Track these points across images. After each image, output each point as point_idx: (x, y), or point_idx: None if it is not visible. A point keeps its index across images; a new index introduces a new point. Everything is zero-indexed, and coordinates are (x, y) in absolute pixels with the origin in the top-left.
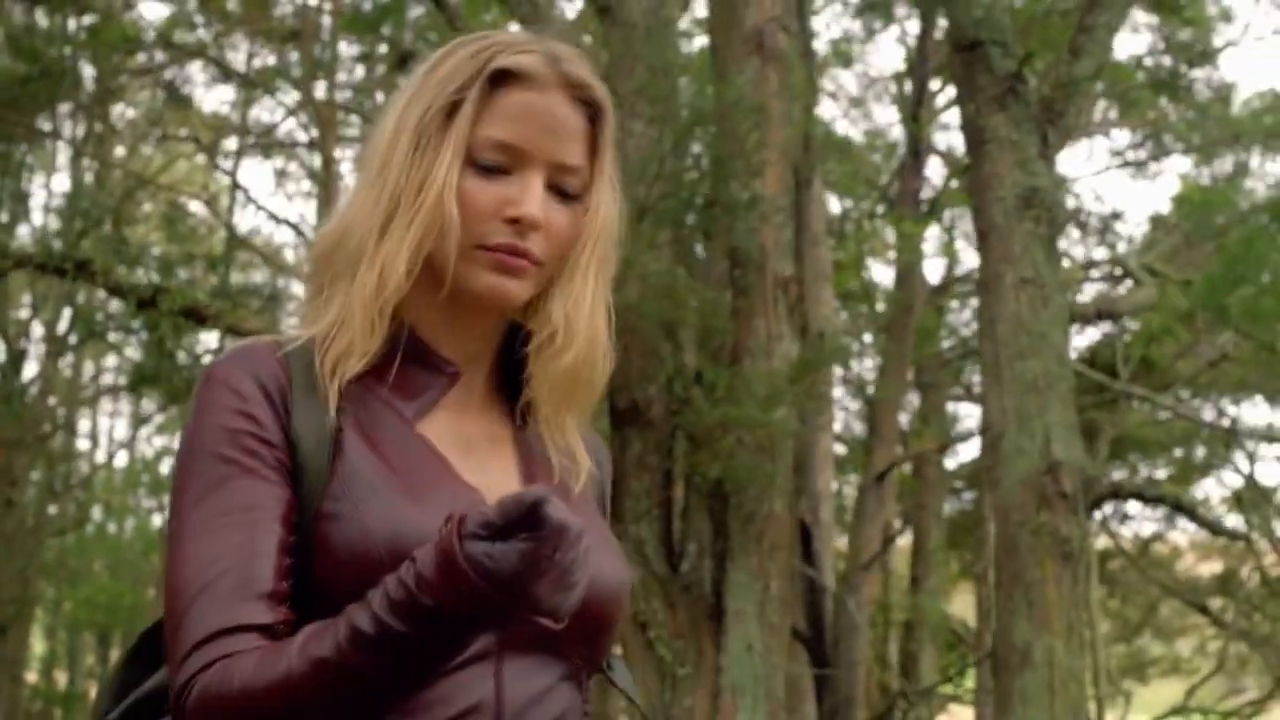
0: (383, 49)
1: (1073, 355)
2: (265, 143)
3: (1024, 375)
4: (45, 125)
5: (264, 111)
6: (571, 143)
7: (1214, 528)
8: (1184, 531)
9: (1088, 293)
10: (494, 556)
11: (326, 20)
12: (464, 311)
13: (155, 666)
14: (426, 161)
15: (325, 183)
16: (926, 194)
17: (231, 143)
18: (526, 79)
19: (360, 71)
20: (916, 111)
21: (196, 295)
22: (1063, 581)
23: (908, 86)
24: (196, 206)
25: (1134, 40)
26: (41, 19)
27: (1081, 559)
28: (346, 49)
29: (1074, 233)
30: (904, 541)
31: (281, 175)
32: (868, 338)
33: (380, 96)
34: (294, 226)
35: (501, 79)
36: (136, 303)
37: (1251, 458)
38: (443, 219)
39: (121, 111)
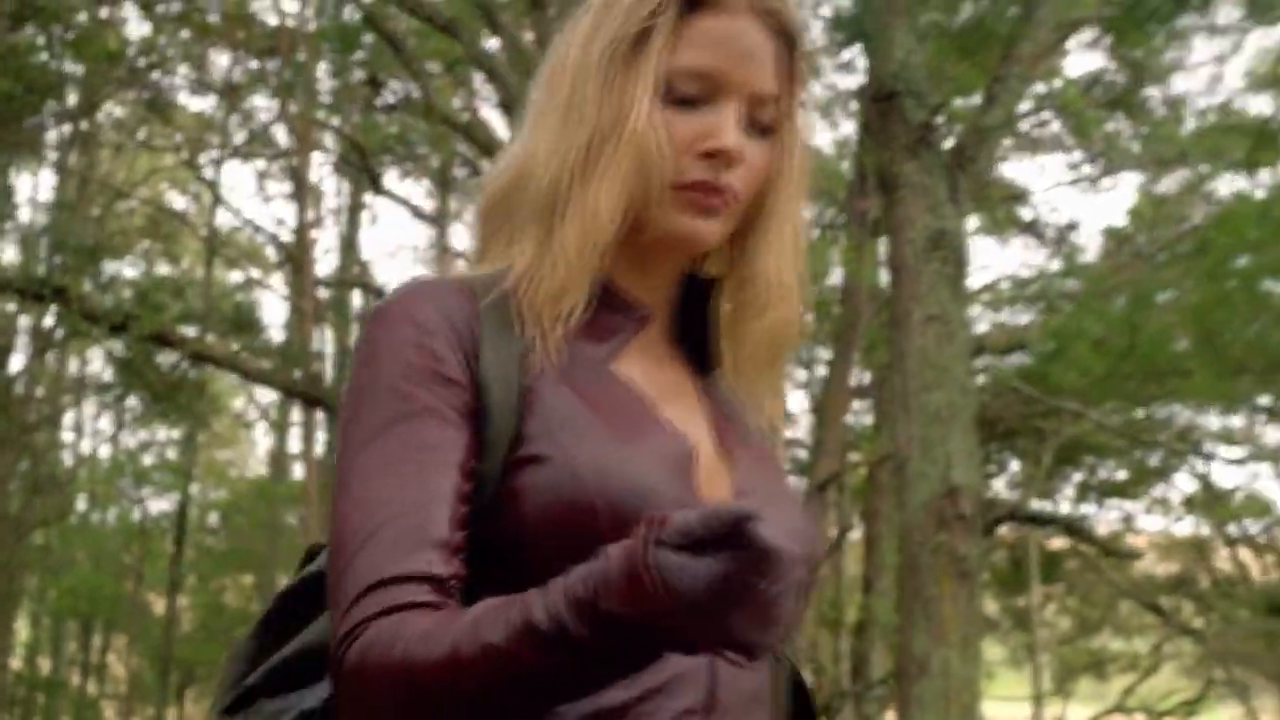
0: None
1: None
2: (247, 151)
3: (929, 406)
4: (29, 135)
5: (245, 117)
6: (766, 71)
7: (1105, 546)
8: (1142, 533)
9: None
10: (685, 572)
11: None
12: (650, 254)
13: (293, 632)
14: (619, 94)
15: (301, 193)
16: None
17: (213, 148)
18: (718, 4)
19: (334, 85)
20: (863, 134)
21: (164, 322)
22: (959, 598)
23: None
24: (179, 205)
25: (1088, 58)
26: (28, 32)
27: (979, 576)
28: (322, 65)
29: (1032, 242)
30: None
31: (263, 177)
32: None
33: (355, 115)
34: (272, 236)
35: (692, 4)
36: (109, 328)
37: (1207, 460)
38: (646, 156)
39: (105, 116)
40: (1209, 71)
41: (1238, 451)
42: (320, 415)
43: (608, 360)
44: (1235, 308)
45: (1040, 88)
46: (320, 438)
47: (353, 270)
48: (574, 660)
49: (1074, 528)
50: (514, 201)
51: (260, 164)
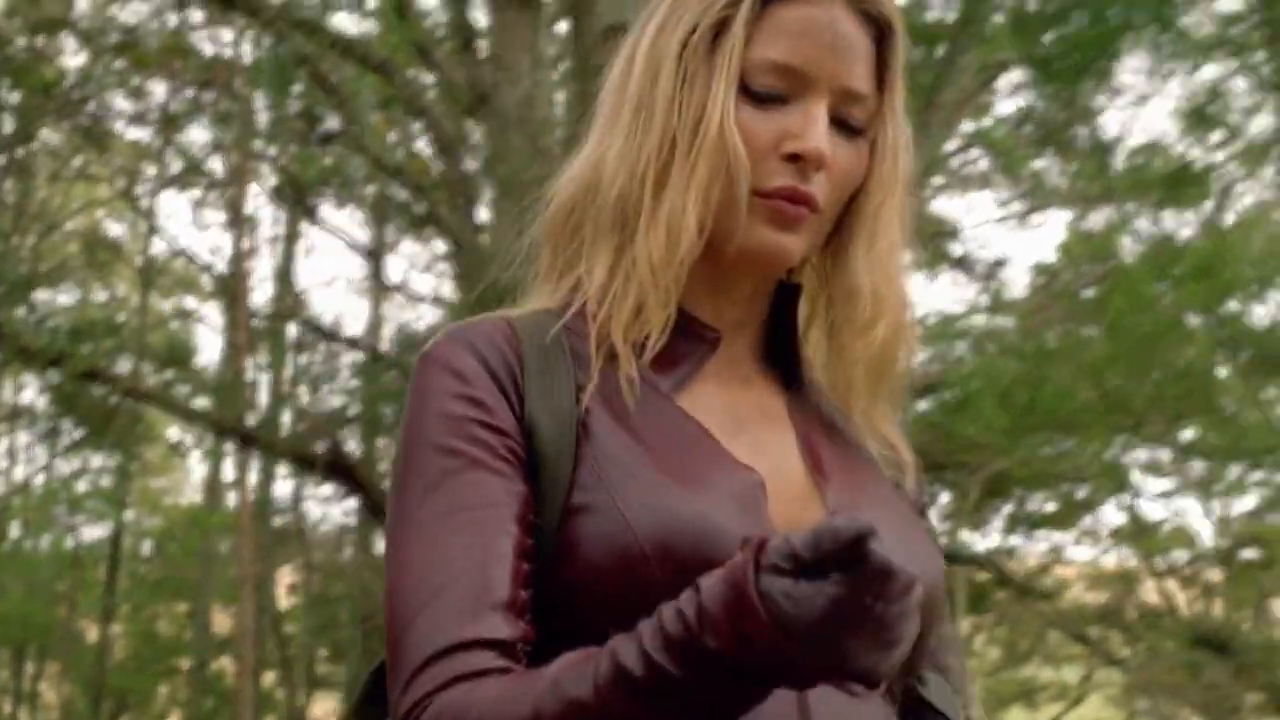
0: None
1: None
2: (183, 181)
3: None
4: None
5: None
6: (858, 65)
7: (1020, 585)
8: (1072, 564)
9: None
10: (796, 598)
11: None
12: (727, 270)
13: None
14: (695, 92)
15: (236, 225)
16: None
17: (149, 179)
18: None
19: (270, 117)
20: None
21: (97, 361)
22: None
23: None
24: (116, 234)
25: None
26: None
27: None
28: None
29: (961, 278)
30: None
31: (200, 206)
32: None
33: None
34: (206, 266)
35: None
36: (43, 364)
37: (1134, 494)
38: (728, 160)
39: (41, 145)
40: (1137, 110)
41: (1164, 484)
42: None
43: (674, 391)
44: (1133, 365)
45: (969, 125)
46: (255, 465)
47: (288, 300)
48: (674, 705)
49: (988, 566)
50: (581, 216)
51: (197, 193)
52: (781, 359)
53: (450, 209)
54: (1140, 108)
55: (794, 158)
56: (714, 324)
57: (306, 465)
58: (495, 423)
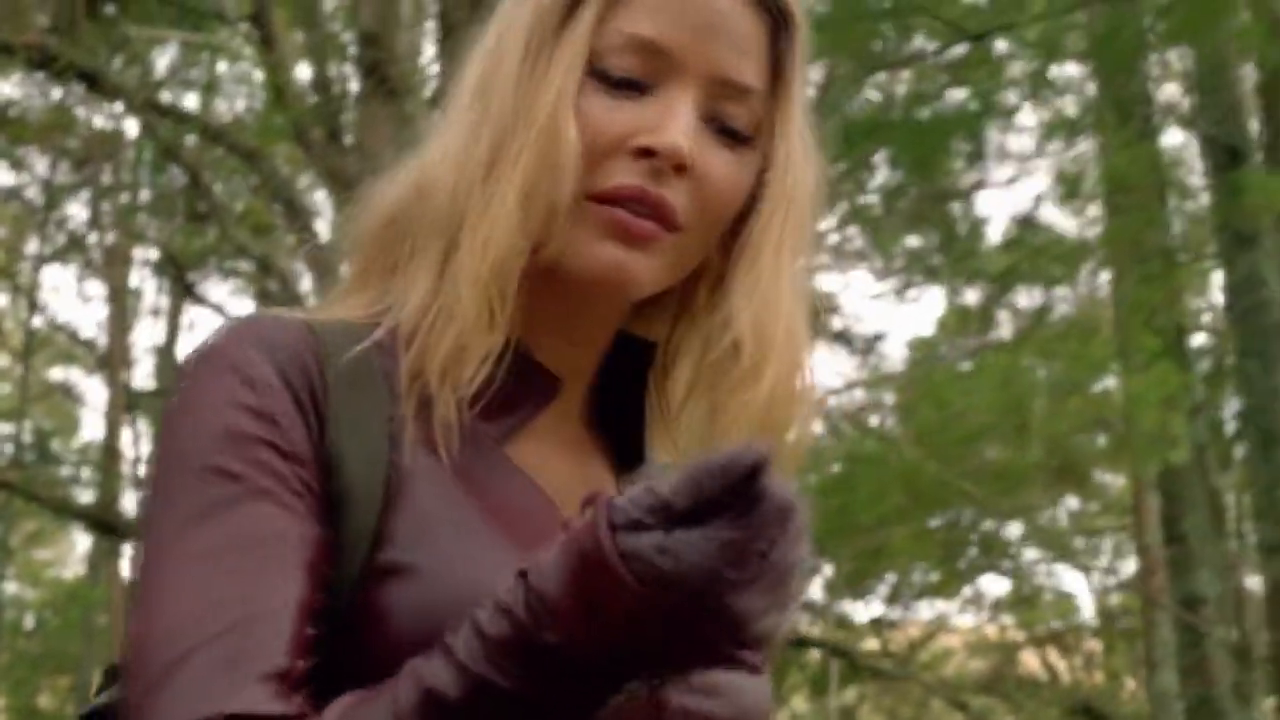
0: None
1: None
2: (64, 255)
3: None
4: None
5: (61, 222)
6: (743, 55)
7: (872, 667)
8: (955, 631)
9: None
10: (673, 551)
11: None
12: (568, 302)
13: None
14: (539, 74)
15: (118, 302)
16: None
17: (28, 256)
18: None
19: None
20: None
21: None
22: None
23: None
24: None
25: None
26: None
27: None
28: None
29: (841, 351)
30: None
31: (82, 279)
32: None
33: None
34: (87, 342)
35: None
36: None
37: (1015, 561)
38: (554, 151)
39: None
40: (1011, 188)
41: (1044, 553)
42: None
43: (502, 441)
44: (942, 469)
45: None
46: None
47: (170, 375)
48: None
49: (839, 650)
50: (406, 222)
51: (78, 267)
52: (615, 427)
53: (316, 298)
54: (1005, 190)
55: (645, 153)
56: (554, 368)
57: None
58: (290, 448)
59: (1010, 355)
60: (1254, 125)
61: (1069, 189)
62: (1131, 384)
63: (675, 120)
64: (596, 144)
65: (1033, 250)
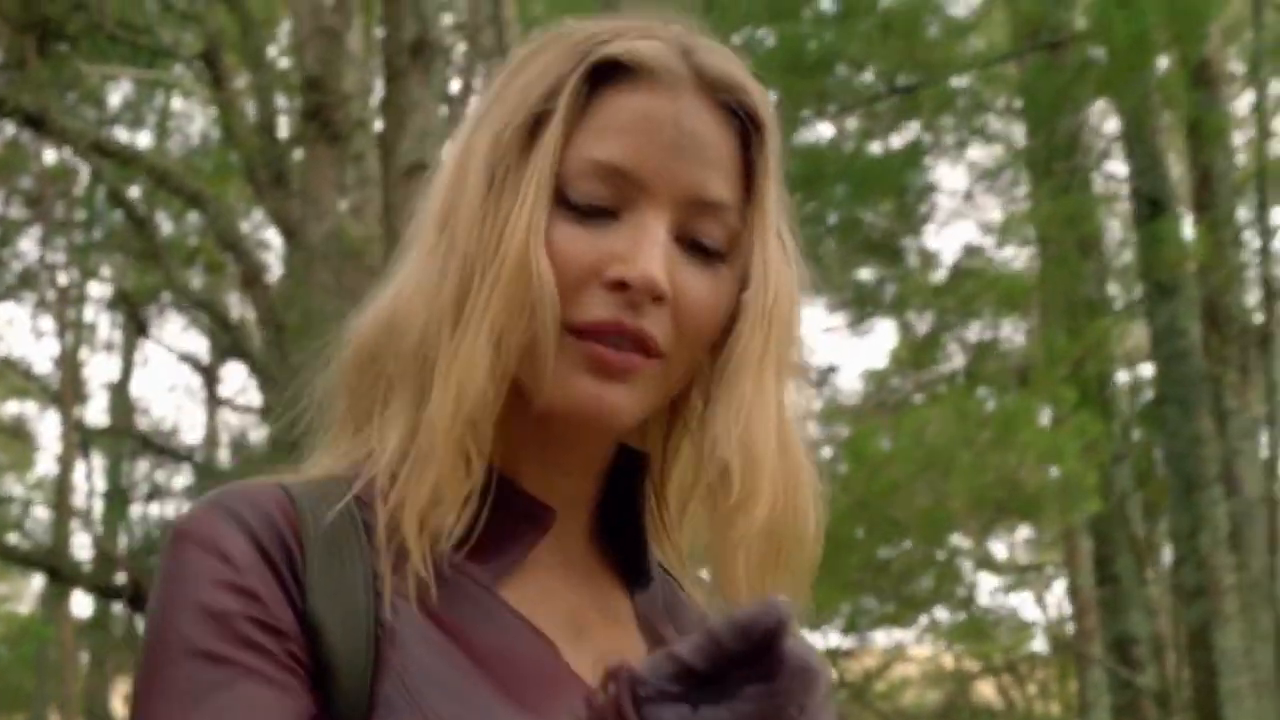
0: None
1: None
2: (16, 293)
3: None
4: None
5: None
6: (713, 170)
7: None
8: (912, 660)
9: None
10: None
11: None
12: (554, 433)
13: None
14: (504, 205)
15: (69, 338)
16: None
17: None
18: (646, 75)
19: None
20: None
21: None
22: None
23: None
24: None
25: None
26: None
27: None
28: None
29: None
30: None
31: (36, 315)
32: None
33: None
34: (40, 380)
35: (608, 77)
36: None
37: (970, 590)
38: (530, 288)
39: None
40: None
41: (999, 581)
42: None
43: (495, 583)
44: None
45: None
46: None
47: (125, 410)
48: None
49: None
50: (379, 364)
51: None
52: (622, 546)
53: (261, 341)
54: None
55: (620, 285)
56: (545, 499)
57: (110, 596)
58: (272, 621)
59: (925, 411)
60: (1182, 174)
61: (1002, 236)
62: (1051, 434)
63: (647, 249)
64: (568, 276)
65: (980, 284)
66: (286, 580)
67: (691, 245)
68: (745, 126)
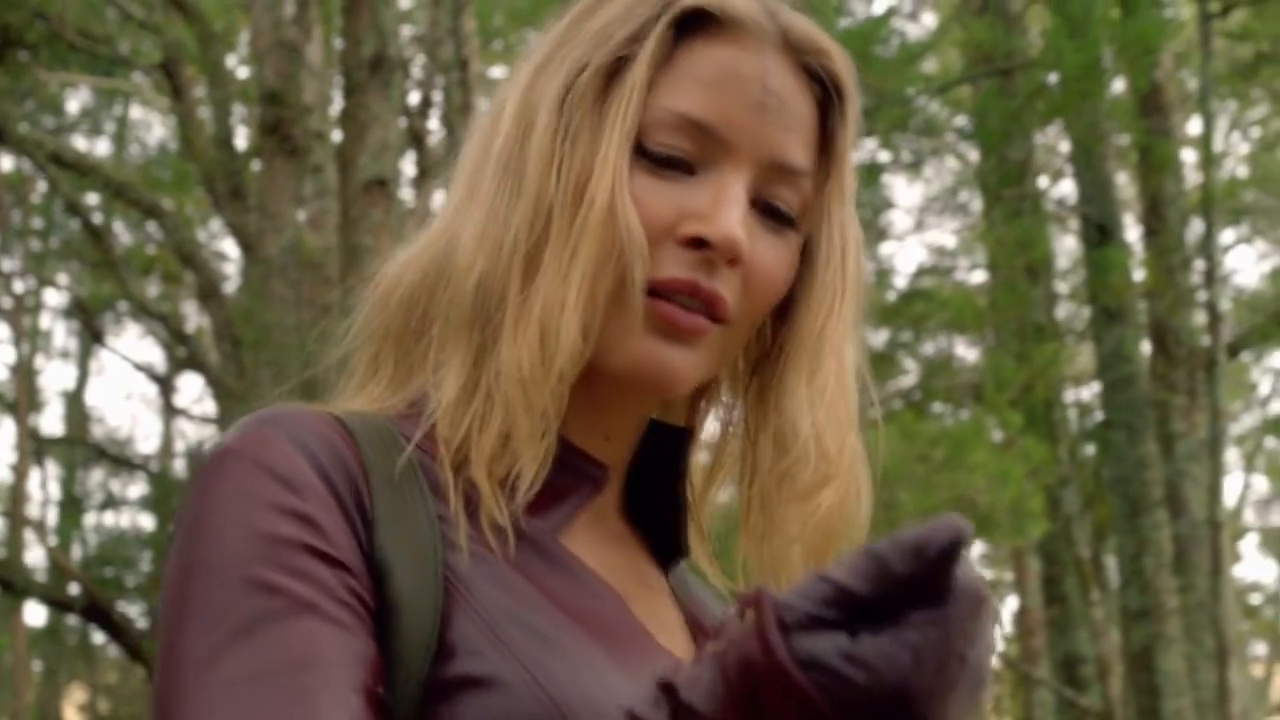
0: None
1: None
2: None
3: None
4: None
5: None
6: (794, 133)
7: None
8: None
9: None
10: (864, 661)
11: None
12: (604, 391)
13: None
14: (582, 151)
15: (23, 346)
16: None
17: None
18: (733, 28)
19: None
20: None
21: None
22: None
23: None
24: None
25: None
26: None
27: None
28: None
29: None
30: None
31: None
32: None
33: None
34: None
35: (694, 26)
36: None
37: None
38: (619, 242)
39: None
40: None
41: None
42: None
43: (556, 534)
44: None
45: None
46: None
47: (80, 418)
48: None
49: None
50: (428, 309)
51: None
52: (651, 519)
53: (216, 354)
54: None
55: (697, 243)
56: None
57: (63, 608)
58: (335, 554)
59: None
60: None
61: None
62: (998, 457)
63: (728, 209)
64: (645, 230)
65: (931, 305)
66: (351, 512)
67: (765, 209)
68: (827, 93)
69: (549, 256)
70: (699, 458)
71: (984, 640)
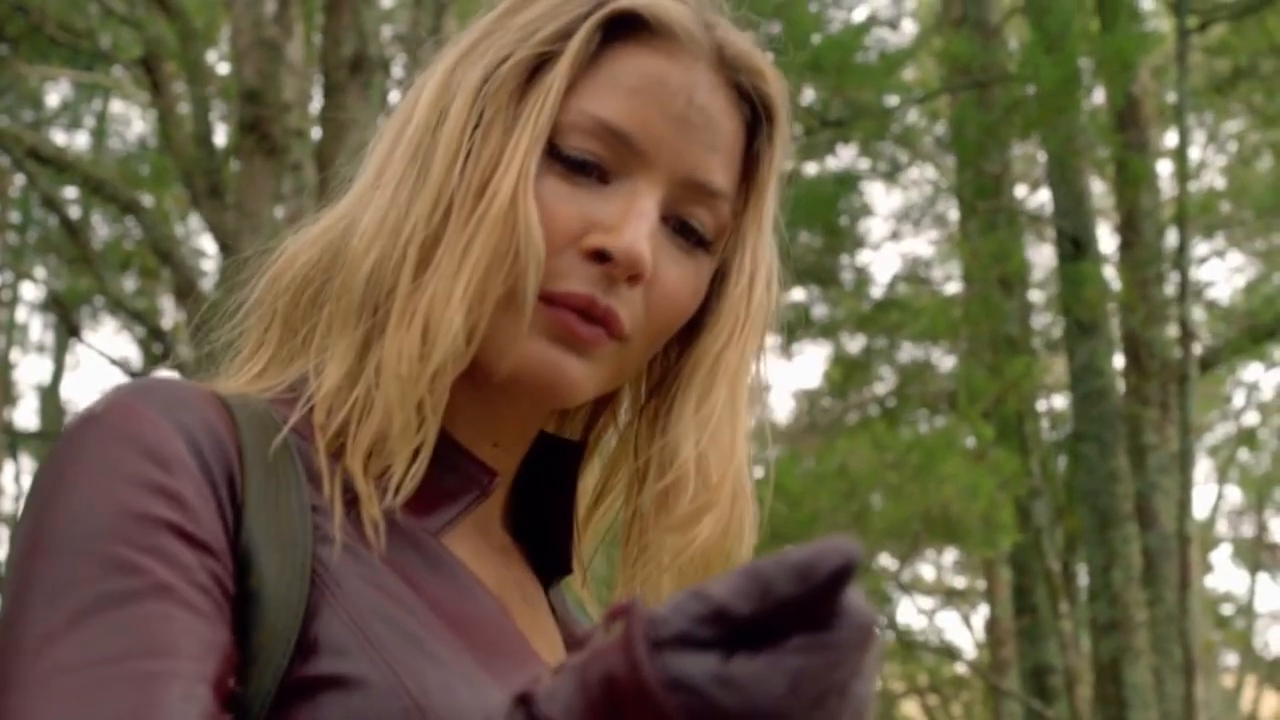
0: None
1: None
2: None
3: None
4: None
5: None
6: (717, 154)
7: None
8: None
9: None
10: (736, 684)
11: None
12: (494, 395)
13: None
14: (492, 144)
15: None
16: None
17: None
18: (665, 37)
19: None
20: None
21: None
22: None
23: None
24: None
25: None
26: None
27: None
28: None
29: None
30: None
31: None
32: None
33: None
34: None
35: (624, 30)
36: None
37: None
38: (516, 242)
39: None
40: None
41: (926, 602)
42: None
43: (439, 535)
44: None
45: None
46: None
47: (55, 413)
48: None
49: None
50: (320, 289)
51: None
52: (534, 533)
53: (191, 353)
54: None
55: (600, 256)
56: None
57: None
58: (200, 535)
59: (847, 442)
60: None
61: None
62: (968, 470)
63: (636, 223)
64: (548, 235)
65: (905, 315)
66: (221, 493)
67: (679, 226)
68: (756, 114)
69: (443, 250)
70: (590, 475)
71: (869, 675)
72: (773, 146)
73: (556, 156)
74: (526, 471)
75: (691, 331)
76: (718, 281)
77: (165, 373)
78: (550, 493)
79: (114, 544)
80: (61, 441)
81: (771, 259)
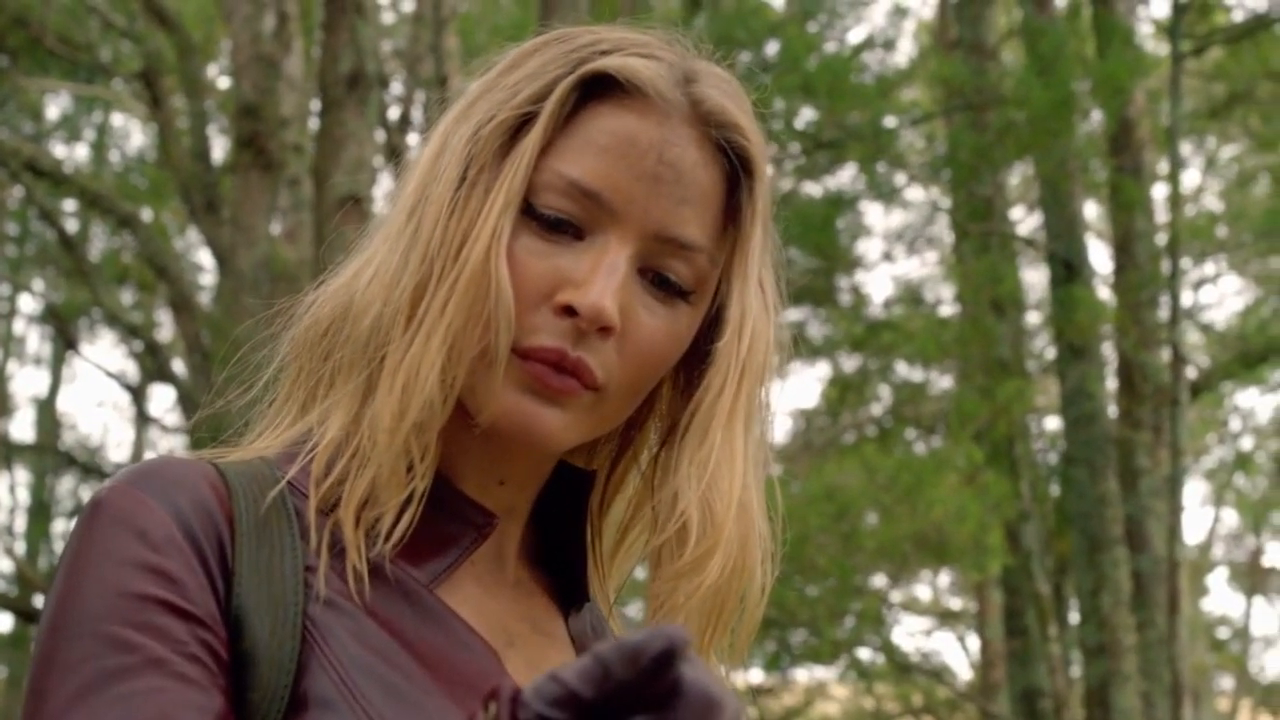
0: None
1: None
2: None
3: None
4: None
5: None
6: (690, 208)
7: None
8: (833, 700)
9: None
10: None
11: None
12: (486, 439)
13: None
14: (473, 204)
15: None
16: None
17: None
18: (637, 95)
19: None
20: None
21: None
22: None
23: None
24: None
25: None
26: None
27: None
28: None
29: None
30: None
31: None
32: None
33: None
34: None
35: (601, 90)
36: None
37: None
38: (488, 302)
39: None
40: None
41: (921, 623)
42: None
43: (432, 584)
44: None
45: None
46: None
47: (51, 425)
48: None
49: None
50: (336, 340)
51: None
52: (557, 563)
53: (188, 367)
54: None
55: (569, 311)
56: (486, 506)
57: (30, 619)
58: (190, 608)
59: (837, 465)
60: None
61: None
62: (957, 493)
63: (603, 279)
64: (523, 292)
65: (898, 336)
66: (212, 565)
67: (656, 279)
68: (735, 167)
69: (424, 308)
70: (614, 505)
71: None
72: (753, 197)
73: (533, 215)
74: (546, 502)
75: (691, 382)
76: (711, 330)
77: (176, 447)
78: (566, 522)
79: (112, 624)
80: (75, 527)
81: (761, 306)
